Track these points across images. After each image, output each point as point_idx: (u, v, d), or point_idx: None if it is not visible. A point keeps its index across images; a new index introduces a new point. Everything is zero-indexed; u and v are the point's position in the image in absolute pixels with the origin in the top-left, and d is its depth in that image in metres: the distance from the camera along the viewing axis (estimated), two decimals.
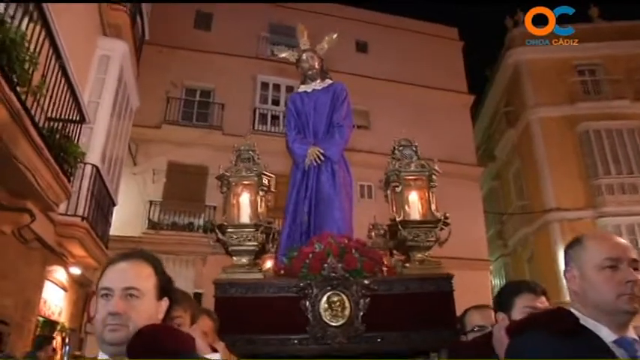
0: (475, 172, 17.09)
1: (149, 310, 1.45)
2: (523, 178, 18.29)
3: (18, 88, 3.70)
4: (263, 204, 3.93)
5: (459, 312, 3.06)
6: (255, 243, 3.72)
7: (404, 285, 3.59)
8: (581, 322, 1.56)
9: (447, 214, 3.85)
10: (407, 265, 3.77)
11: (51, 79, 4.67)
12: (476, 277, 13.91)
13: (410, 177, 3.98)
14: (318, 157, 4.39)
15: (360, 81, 16.37)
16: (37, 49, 4.12)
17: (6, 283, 5.11)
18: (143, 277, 1.47)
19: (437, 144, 15.79)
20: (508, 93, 19.47)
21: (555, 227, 15.80)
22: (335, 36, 5.09)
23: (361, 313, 3.41)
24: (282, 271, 3.75)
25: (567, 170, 16.08)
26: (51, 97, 4.87)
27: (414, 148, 4.13)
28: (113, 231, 9.42)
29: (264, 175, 3.93)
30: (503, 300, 2.16)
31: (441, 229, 3.78)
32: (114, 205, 8.74)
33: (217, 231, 3.74)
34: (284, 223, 4.42)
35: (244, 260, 3.74)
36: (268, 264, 4.18)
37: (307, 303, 3.43)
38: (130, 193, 12.72)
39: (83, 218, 6.81)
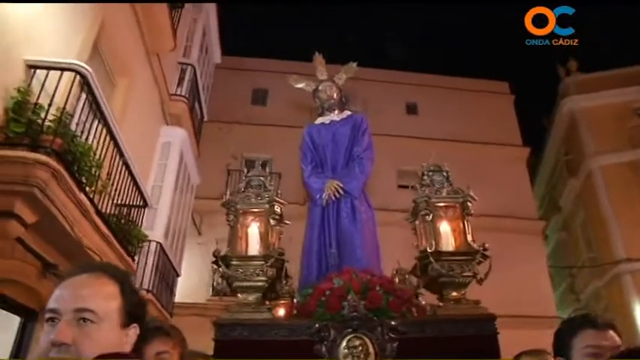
0: (536, 225, 16.69)
1: (109, 339, 1.13)
2: (590, 229, 17.64)
3: (87, 189, 4.43)
4: (274, 235, 3.48)
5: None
6: (264, 278, 3.27)
7: (438, 327, 3.12)
8: None
9: (486, 245, 3.41)
10: (440, 304, 3.33)
11: (117, 173, 5.43)
12: (542, 336, 13.27)
13: (441, 204, 3.56)
14: (337, 192, 4.07)
15: (413, 142, 16.79)
16: (104, 152, 4.88)
17: None
18: (102, 297, 1.16)
19: (494, 200, 15.76)
20: (567, 142, 19.14)
21: (627, 279, 15.09)
22: (354, 65, 4.80)
23: None
24: (295, 311, 3.37)
25: (635, 218, 15.36)
26: (118, 187, 5.61)
27: (445, 174, 3.79)
28: (179, 298, 10.04)
29: (277, 202, 3.51)
30: (559, 342, 1.86)
31: (480, 262, 3.35)
32: (177, 275, 9.41)
33: (221, 264, 3.28)
34: (303, 263, 4.04)
35: (251, 298, 3.28)
36: (281, 311, 3.72)
37: (323, 348, 2.98)
38: (194, 262, 13.45)
39: (148, 291, 7.46)
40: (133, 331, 1.22)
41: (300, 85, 4.85)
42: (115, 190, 5.44)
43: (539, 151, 21.20)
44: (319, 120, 4.64)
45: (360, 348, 2.96)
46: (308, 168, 4.38)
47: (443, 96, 18.08)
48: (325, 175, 4.30)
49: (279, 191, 3.66)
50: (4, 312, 4.63)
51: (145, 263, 7.40)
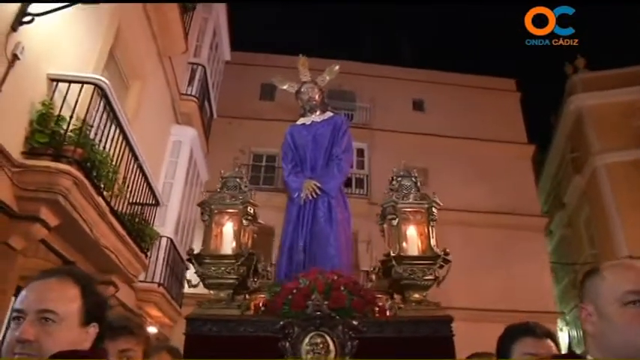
0: (539, 222, 16.91)
1: (68, 337, 1.25)
2: (593, 226, 17.79)
3: (105, 192, 4.75)
4: (247, 234, 3.61)
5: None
6: (235, 276, 3.41)
7: (397, 328, 3.24)
8: None
9: (447, 250, 3.51)
10: (401, 306, 3.46)
11: (131, 175, 5.75)
12: None
13: (408, 209, 3.66)
14: (314, 191, 4.16)
15: (418, 139, 17.00)
16: (120, 157, 5.20)
17: None
18: (64, 299, 1.27)
19: (498, 197, 16.02)
20: (572, 139, 19.22)
21: None
22: (336, 67, 4.84)
23: (347, 358, 3.05)
24: (262, 308, 3.45)
25: (638, 216, 15.40)
26: (132, 188, 5.94)
27: (414, 179, 3.85)
28: (188, 289, 10.42)
29: (250, 203, 3.63)
30: (501, 347, 1.96)
31: (441, 266, 3.47)
32: (187, 269, 9.76)
33: (194, 262, 3.44)
34: (279, 260, 4.17)
35: (222, 295, 3.41)
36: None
37: (287, 344, 3.07)
38: None
39: (159, 284, 7.82)
40: (93, 329, 1.31)
41: (283, 87, 4.91)
42: (130, 190, 5.76)
43: (545, 148, 21.34)
44: (301, 120, 4.70)
45: (322, 345, 3.08)
46: (288, 167, 4.48)
47: (450, 93, 18.21)
48: (304, 174, 4.38)
49: (254, 193, 3.78)
50: None
51: (157, 258, 7.74)
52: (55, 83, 4.53)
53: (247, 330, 3.17)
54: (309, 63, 4.81)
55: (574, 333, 19.23)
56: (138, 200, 6.26)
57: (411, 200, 3.67)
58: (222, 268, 3.40)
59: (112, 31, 5.60)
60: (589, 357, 1.34)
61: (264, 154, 17.03)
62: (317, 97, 4.66)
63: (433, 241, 3.55)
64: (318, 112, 4.64)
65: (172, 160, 8.53)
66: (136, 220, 6.02)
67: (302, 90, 4.67)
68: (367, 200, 14.64)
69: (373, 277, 4.11)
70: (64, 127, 4.32)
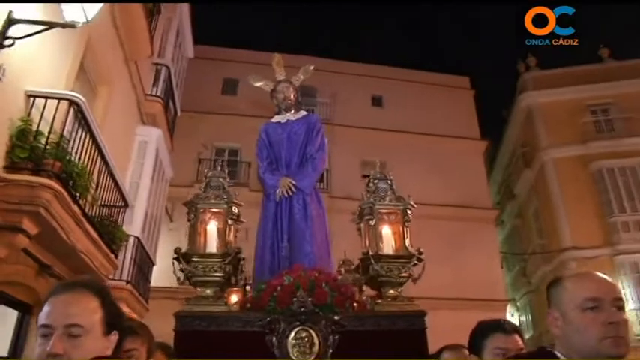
0: (490, 215, 17.77)
1: (95, 347, 1.32)
2: (541, 217, 18.72)
3: (80, 201, 5.05)
4: (232, 233, 3.73)
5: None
6: (222, 274, 3.54)
7: (375, 321, 3.46)
8: None
9: (421, 249, 3.75)
10: (379, 301, 3.67)
11: (104, 181, 6.04)
12: (493, 317, 14.30)
13: (384, 211, 3.88)
14: (290, 189, 4.30)
15: (377, 134, 17.56)
16: (93, 164, 5.49)
17: None
18: (88, 312, 1.34)
19: (452, 190, 16.76)
20: (524, 134, 20.12)
21: (572, 266, 15.94)
22: (311, 67, 4.98)
23: (330, 350, 3.25)
24: (249, 304, 3.60)
25: (583, 209, 16.49)
26: (103, 193, 6.22)
27: (390, 182, 4.03)
28: (153, 282, 10.67)
29: (234, 203, 3.77)
30: (474, 342, 2.12)
31: (415, 264, 3.70)
32: (153, 264, 10.04)
33: (182, 260, 3.54)
34: (257, 255, 4.27)
35: (209, 292, 3.53)
36: (234, 298, 4.04)
37: (274, 338, 3.25)
38: (167, 248, 13.89)
39: (127, 282, 8.09)
40: (114, 337, 1.40)
41: (258, 84, 4.97)
42: (101, 195, 6.04)
43: (498, 140, 22.22)
44: (276, 118, 4.81)
45: (307, 339, 3.25)
46: (263, 164, 4.58)
47: (407, 89, 18.83)
48: (280, 172, 4.50)
49: (237, 194, 3.90)
50: (3, 307, 5.23)
51: (124, 257, 8.00)
52: (32, 99, 4.78)
53: (235, 325, 3.36)
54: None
55: (523, 318, 20.31)
56: (107, 203, 6.54)
57: (387, 202, 3.90)
58: (210, 266, 3.53)
59: (82, 44, 5.82)
60: (557, 353, 1.50)
61: (226, 149, 17.25)
62: (292, 96, 4.78)
63: (408, 241, 3.79)
64: (292, 111, 4.78)
65: (139, 161, 8.76)
66: (107, 222, 6.29)
67: (277, 89, 4.78)
68: (328, 194, 15.07)
69: (342, 270, 4.54)
70: (43, 141, 4.59)
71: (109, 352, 1.39)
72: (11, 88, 4.52)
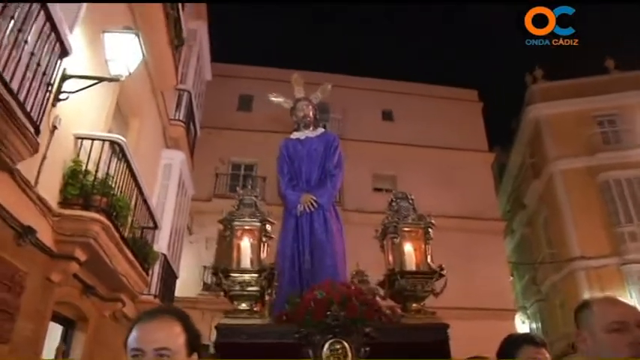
0: (499, 226, 18.12)
1: None
2: (550, 227, 18.91)
3: (121, 228, 5.69)
4: (265, 250, 3.94)
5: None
6: (257, 288, 3.74)
7: (402, 334, 3.66)
8: None
9: (443, 266, 3.94)
10: (404, 314, 3.89)
11: (139, 208, 6.70)
12: (502, 326, 14.75)
13: (407, 229, 4.07)
14: (312, 205, 4.45)
15: (387, 148, 18.08)
16: (130, 194, 6.14)
17: (106, 350, 6.94)
18: (174, 336, 1.46)
19: (461, 202, 17.18)
20: (532, 145, 20.37)
21: (581, 275, 16.37)
22: (329, 87, 5.17)
23: None
24: (285, 317, 3.76)
25: (591, 219, 16.68)
26: (137, 218, 6.87)
27: (411, 202, 4.23)
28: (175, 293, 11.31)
29: (268, 221, 3.98)
30: (505, 353, 2.20)
31: (437, 279, 3.90)
32: (176, 278, 10.68)
33: (221, 275, 3.72)
34: (281, 268, 4.34)
35: (244, 305, 3.74)
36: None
37: (310, 350, 3.42)
38: (187, 260, 14.62)
39: (155, 296, 8.73)
40: (194, 358, 1.52)
41: (279, 100, 5.17)
42: (136, 220, 6.69)
43: (508, 150, 22.55)
44: (295, 135, 4.97)
45: (340, 350, 3.43)
46: (285, 180, 4.74)
47: (417, 103, 19.28)
48: (300, 187, 4.65)
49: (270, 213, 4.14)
50: (52, 323, 5.88)
51: (152, 272, 8.64)
52: (80, 141, 5.44)
53: (272, 337, 3.56)
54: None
55: (534, 326, 20.57)
56: (140, 225, 7.19)
57: (409, 221, 4.11)
58: (247, 281, 3.74)
59: (118, 86, 6.46)
60: None
61: (242, 164, 17.88)
62: (311, 114, 4.98)
63: (429, 258, 4.01)
64: (311, 128, 4.95)
65: (164, 182, 9.40)
66: (139, 244, 6.93)
67: (297, 107, 4.97)
68: (340, 207, 15.55)
69: (356, 281, 4.78)
70: (90, 179, 5.24)
71: None
72: (63, 134, 5.18)
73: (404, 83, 20.11)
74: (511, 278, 19.45)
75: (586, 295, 15.78)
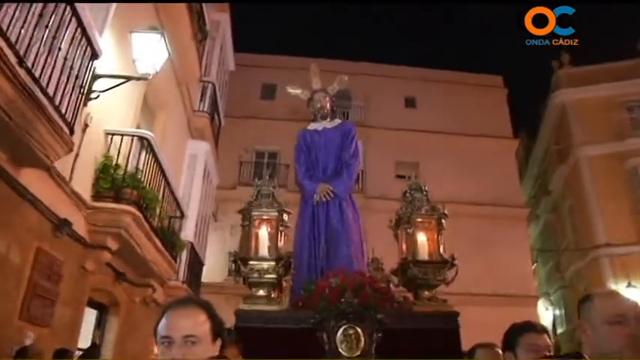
0: (522, 213, 18.04)
1: (206, 353, 1.54)
2: (575, 213, 18.72)
3: (150, 219, 6.01)
4: (283, 239, 4.08)
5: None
6: (275, 276, 3.91)
7: (413, 321, 3.80)
8: None
9: (455, 255, 4.06)
10: (416, 302, 4.01)
11: (166, 199, 7.00)
12: (524, 313, 14.72)
13: (420, 220, 4.18)
14: (328, 195, 4.52)
15: (410, 135, 18.09)
16: (158, 186, 6.44)
17: (136, 333, 7.33)
18: (200, 324, 1.55)
19: (484, 189, 17.16)
20: (557, 131, 20.10)
21: (605, 262, 16.23)
22: (346, 78, 5.17)
23: (374, 346, 3.55)
24: (300, 304, 3.89)
25: (617, 206, 16.46)
26: (165, 207, 7.18)
27: (425, 192, 4.32)
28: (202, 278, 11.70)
29: (285, 211, 4.13)
30: (509, 339, 2.28)
31: (449, 268, 4.02)
32: (203, 265, 11.05)
33: (240, 263, 3.88)
34: (297, 256, 4.44)
35: (262, 292, 3.91)
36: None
37: (324, 335, 3.55)
38: (213, 246, 15.01)
39: (183, 282, 9.10)
40: (218, 343, 1.62)
41: (296, 92, 5.19)
42: (164, 210, 7.01)
43: (534, 135, 22.31)
44: (312, 126, 5.03)
45: (353, 336, 3.55)
46: (302, 169, 4.82)
47: (440, 90, 19.13)
48: (317, 177, 4.72)
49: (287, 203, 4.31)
50: (87, 308, 6.25)
51: (180, 260, 8.99)
52: (110, 137, 5.74)
53: (288, 322, 3.73)
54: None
55: (557, 312, 20.51)
56: (168, 214, 7.51)
57: (423, 212, 4.22)
58: (265, 269, 3.91)
59: (146, 82, 6.73)
60: (586, 357, 1.72)
61: (265, 152, 18.14)
62: (328, 105, 5.03)
63: (442, 248, 4.12)
64: (328, 119, 5.01)
65: (189, 172, 9.71)
66: (167, 233, 7.25)
67: (314, 98, 5.01)
68: (363, 194, 15.74)
69: (371, 269, 4.89)
70: (120, 173, 5.54)
71: (215, 355, 1.63)
72: (95, 130, 5.48)
73: (427, 70, 19.97)
74: (535, 265, 19.36)
75: (610, 282, 15.84)
